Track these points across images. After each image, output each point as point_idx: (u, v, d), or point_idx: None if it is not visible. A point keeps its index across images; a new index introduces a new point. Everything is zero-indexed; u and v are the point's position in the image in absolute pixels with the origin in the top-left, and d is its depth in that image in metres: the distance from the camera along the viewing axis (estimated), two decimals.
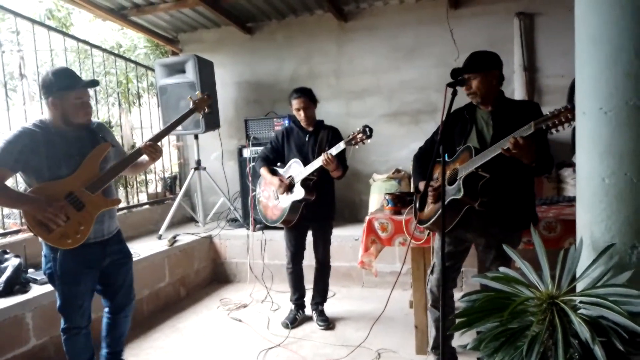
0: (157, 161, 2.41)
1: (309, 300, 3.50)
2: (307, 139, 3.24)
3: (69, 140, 2.20)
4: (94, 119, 2.39)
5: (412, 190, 3.96)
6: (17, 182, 3.04)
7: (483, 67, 2.21)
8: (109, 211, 2.34)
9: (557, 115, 1.86)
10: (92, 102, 2.34)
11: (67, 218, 2.11)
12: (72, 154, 2.18)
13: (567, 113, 1.83)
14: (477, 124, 2.30)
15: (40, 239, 2.19)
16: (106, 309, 2.51)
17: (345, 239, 4.17)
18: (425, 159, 2.46)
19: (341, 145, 2.94)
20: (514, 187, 2.22)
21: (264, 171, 3.30)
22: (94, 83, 2.27)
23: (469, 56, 2.26)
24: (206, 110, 2.72)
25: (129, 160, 2.35)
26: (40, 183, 2.13)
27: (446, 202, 2.18)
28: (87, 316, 2.34)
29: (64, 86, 2.13)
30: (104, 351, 2.55)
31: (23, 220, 2.32)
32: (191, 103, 2.65)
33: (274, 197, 3.30)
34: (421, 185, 2.43)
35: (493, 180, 2.11)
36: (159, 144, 2.44)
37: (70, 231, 2.12)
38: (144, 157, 2.44)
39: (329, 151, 2.95)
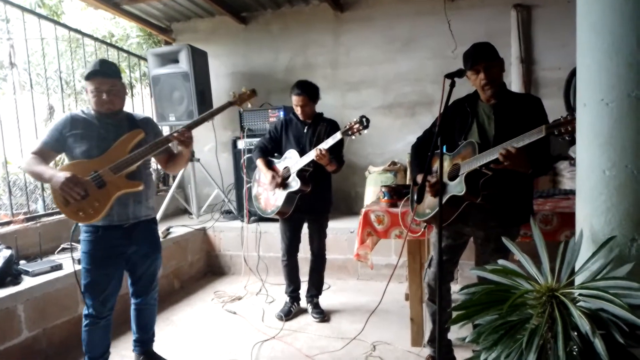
0: (190, 149, 2.46)
1: (304, 292, 3.49)
2: (305, 130, 3.22)
3: (107, 126, 2.34)
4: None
5: (408, 182, 3.95)
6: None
7: (498, 55, 2.19)
8: (135, 196, 2.36)
9: (571, 121, 1.80)
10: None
11: (85, 194, 2.20)
12: (107, 138, 2.31)
13: None
14: (479, 117, 2.24)
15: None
16: (130, 294, 2.62)
17: (341, 232, 4.16)
18: (423, 150, 2.39)
19: (337, 136, 2.93)
20: (514, 183, 2.17)
21: (260, 163, 3.28)
22: (103, 72, 2.26)
23: (478, 46, 2.18)
24: (249, 106, 2.81)
25: (154, 146, 2.35)
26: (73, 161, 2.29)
27: (447, 198, 2.15)
28: (108, 305, 2.38)
29: (85, 76, 2.29)
30: (133, 337, 2.68)
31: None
32: (232, 96, 2.72)
33: (270, 188, 3.27)
34: (419, 177, 2.37)
35: (494, 176, 2.07)
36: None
37: (85, 206, 2.22)
38: (179, 149, 2.48)
39: (321, 145, 2.95)
